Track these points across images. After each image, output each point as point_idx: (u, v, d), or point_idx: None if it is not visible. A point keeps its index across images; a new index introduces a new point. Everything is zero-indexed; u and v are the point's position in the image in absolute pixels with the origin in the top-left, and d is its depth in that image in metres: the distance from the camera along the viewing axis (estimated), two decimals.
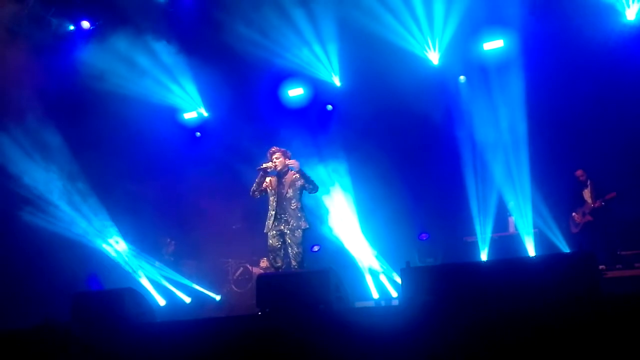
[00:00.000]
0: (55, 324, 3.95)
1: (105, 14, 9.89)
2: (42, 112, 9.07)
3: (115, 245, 9.22)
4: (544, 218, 7.85)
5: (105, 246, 9.21)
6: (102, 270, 9.07)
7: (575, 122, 8.32)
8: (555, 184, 8.13)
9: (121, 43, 9.60)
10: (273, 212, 6.23)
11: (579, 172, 8.12)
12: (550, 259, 4.49)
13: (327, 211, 8.69)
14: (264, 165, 6.28)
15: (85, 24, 9.88)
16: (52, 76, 9.59)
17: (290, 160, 6.39)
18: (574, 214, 8.16)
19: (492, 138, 8.46)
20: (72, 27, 10.09)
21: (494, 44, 8.93)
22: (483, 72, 8.85)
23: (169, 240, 9.64)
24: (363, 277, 8.38)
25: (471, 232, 8.43)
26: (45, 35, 9.62)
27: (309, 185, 6.35)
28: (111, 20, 9.79)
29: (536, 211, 7.87)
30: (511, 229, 8.23)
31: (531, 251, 7.66)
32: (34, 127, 9.02)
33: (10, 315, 7.63)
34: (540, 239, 7.83)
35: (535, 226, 7.89)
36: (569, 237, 7.86)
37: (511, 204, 8.12)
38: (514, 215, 8.11)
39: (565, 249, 7.54)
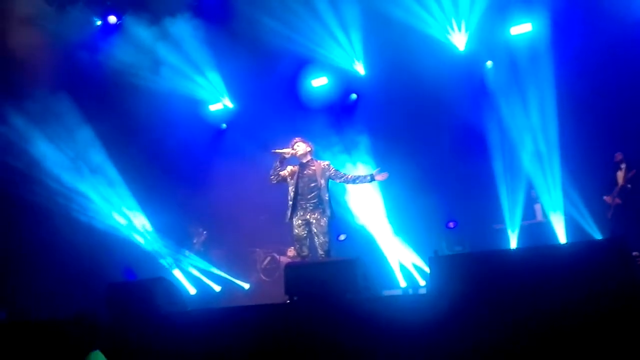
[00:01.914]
0: (90, 314, 4.08)
1: (131, 7, 10.01)
2: (71, 106, 9.28)
3: (146, 235, 9.42)
4: (576, 204, 7.69)
5: (135, 236, 9.42)
6: (133, 261, 9.28)
7: (607, 106, 8.10)
8: (587, 169, 7.94)
9: (146, 36, 9.75)
10: (291, 202, 6.25)
11: (617, 155, 7.92)
12: (580, 246, 4.40)
13: (353, 200, 8.70)
14: (279, 150, 6.26)
15: (112, 19, 10.03)
16: (80, 70, 9.80)
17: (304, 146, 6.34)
18: (605, 197, 7.96)
19: (520, 124, 8.30)
20: (99, 22, 10.24)
21: (521, 28, 8.74)
22: (511, 56, 8.67)
23: (201, 230, 9.78)
24: (390, 265, 8.38)
25: (500, 219, 8.32)
26: (72, 30, 9.78)
27: (344, 175, 6.35)
28: (137, 13, 9.92)
29: (567, 197, 7.71)
30: (539, 217, 8.09)
31: (562, 238, 7.52)
32: (64, 120, 9.24)
33: (46, 306, 7.88)
34: (572, 226, 7.68)
35: (566, 212, 7.74)
36: (603, 223, 7.67)
37: (533, 193, 7.99)
38: (541, 202, 7.97)
39: (598, 235, 7.37)
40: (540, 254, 4.08)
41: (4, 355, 5.81)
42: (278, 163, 6.29)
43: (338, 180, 6.41)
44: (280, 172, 6.35)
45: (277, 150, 6.27)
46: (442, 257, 4.40)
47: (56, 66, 9.42)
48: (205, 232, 9.77)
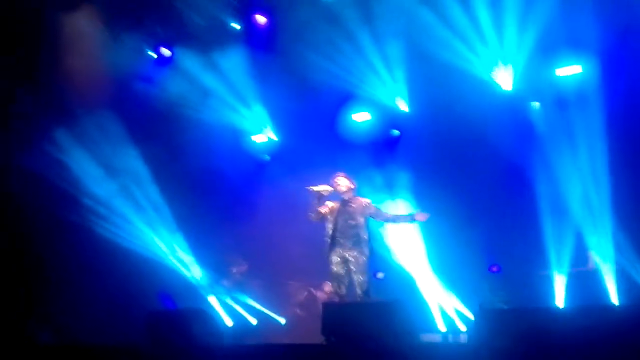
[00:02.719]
0: (135, 344, 4.16)
1: (182, 38, 10.38)
2: (120, 131, 9.60)
3: (186, 263, 9.54)
4: (627, 256, 7.37)
5: (175, 262, 9.55)
6: (171, 287, 9.39)
7: None
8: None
9: (195, 67, 10.08)
10: (329, 240, 6.21)
11: None
12: (635, 309, 4.18)
13: (392, 238, 8.61)
14: (315, 188, 6.22)
15: (166, 52, 10.41)
16: (131, 99, 10.16)
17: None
18: None
19: (568, 167, 8.09)
20: (155, 56, 10.63)
21: (570, 70, 8.60)
22: (559, 97, 8.53)
23: (241, 259, 9.83)
24: (429, 308, 8.19)
25: (545, 265, 8.04)
26: (126, 59, 10.18)
27: (385, 214, 6.31)
28: (187, 44, 10.28)
29: (618, 248, 7.41)
30: (590, 264, 7.77)
31: (612, 289, 7.19)
32: (112, 144, 9.54)
33: (84, 329, 7.99)
34: (623, 278, 7.34)
35: (617, 262, 7.42)
36: None
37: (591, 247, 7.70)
38: (593, 250, 7.67)
39: None
40: (592, 315, 3.89)
41: None
42: (316, 201, 6.28)
43: (378, 219, 6.38)
44: (321, 210, 6.34)
45: (313, 188, 6.25)
46: (489, 311, 4.27)
47: (109, 93, 9.79)
48: (246, 263, 9.80)
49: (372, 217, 6.33)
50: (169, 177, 10.00)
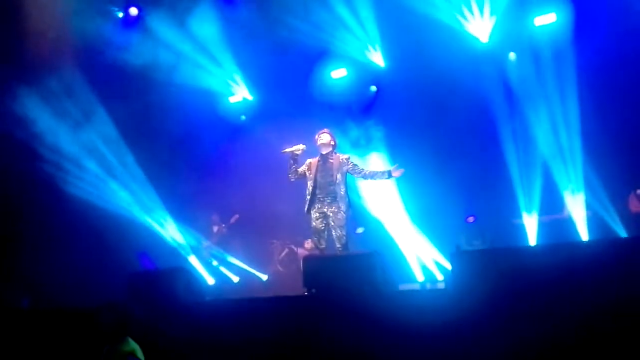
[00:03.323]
0: (122, 303, 4.20)
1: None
2: (88, 90, 9.31)
3: (164, 223, 9.50)
4: (600, 199, 7.55)
5: (152, 223, 9.49)
6: (150, 247, 9.35)
7: (633, 101, 7.94)
8: (611, 164, 7.79)
9: (166, 29, 9.79)
10: (309, 196, 6.27)
11: None
12: (605, 244, 4.33)
13: (371, 193, 8.68)
14: (288, 150, 6.28)
15: (133, 11, 10.06)
16: (100, 61, 9.83)
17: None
18: (638, 190, 7.74)
19: (542, 117, 8.19)
20: (120, 14, 10.27)
21: (545, 19, 8.59)
22: (534, 48, 8.54)
23: (219, 221, 9.83)
24: (407, 259, 8.36)
25: (519, 214, 8.24)
26: (93, 17, 9.80)
27: (362, 171, 6.35)
28: (156, 5, 9.96)
29: (591, 192, 7.59)
30: (565, 212, 7.96)
31: (584, 235, 7.41)
32: (81, 102, 9.26)
33: (64, 293, 7.95)
34: (595, 222, 7.55)
35: (589, 208, 7.62)
36: (627, 221, 7.52)
37: (570, 187, 7.85)
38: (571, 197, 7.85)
39: (622, 232, 7.24)
40: (565, 251, 4.02)
41: (31, 344, 5.94)
42: (292, 161, 6.32)
43: (355, 175, 6.41)
44: (298, 169, 6.38)
45: (287, 150, 6.29)
46: (465, 253, 4.38)
47: (74, 51, 9.44)
48: (224, 226, 9.82)
49: (350, 173, 6.37)
50: (143, 138, 9.83)
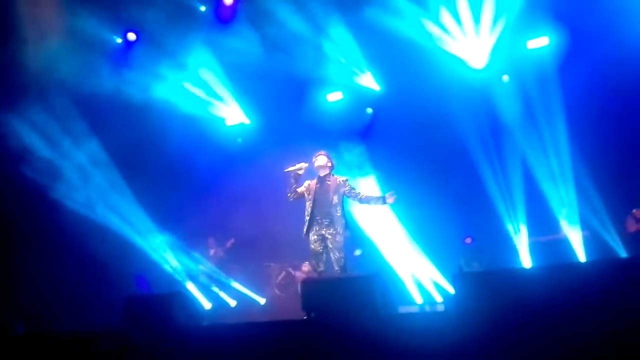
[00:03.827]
0: (119, 328, 4.15)
1: (149, 25, 10.11)
2: (78, 117, 9.32)
3: (160, 247, 9.42)
4: (600, 217, 7.58)
5: (148, 246, 9.39)
6: (146, 271, 9.27)
7: (627, 116, 8.03)
8: (609, 184, 7.84)
9: (164, 55, 9.87)
10: (308, 218, 6.25)
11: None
12: (604, 265, 4.33)
13: (369, 215, 8.68)
14: (292, 168, 6.28)
15: (132, 36, 10.15)
16: (100, 84, 9.86)
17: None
18: (634, 210, 7.76)
19: (534, 140, 8.28)
20: (119, 40, 10.36)
21: (539, 42, 8.73)
22: (527, 72, 8.67)
23: (215, 244, 9.78)
24: (405, 281, 8.33)
25: (515, 234, 8.25)
26: (92, 42, 9.85)
27: (358, 194, 6.36)
28: (155, 31, 10.04)
29: (590, 210, 7.62)
30: (562, 233, 7.99)
31: (581, 255, 7.42)
32: (71, 128, 9.25)
33: (60, 316, 7.85)
34: (592, 242, 7.57)
35: (585, 228, 7.64)
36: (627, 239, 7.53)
37: (564, 211, 7.88)
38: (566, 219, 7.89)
39: (622, 253, 7.25)
40: (568, 272, 4.01)
41: None
42: (293, 180, 6.32)
43: (351, 198, 6.40)
44: (297, 189, 6.37)
45: (290, 169, 6.30)
46: (467, 274, 4.35)
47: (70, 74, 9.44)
48: (221, 249, 9.76)
49: (346, 196, 6.36)
50: (138, 161, 9.83)
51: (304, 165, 6.32)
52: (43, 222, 8.96)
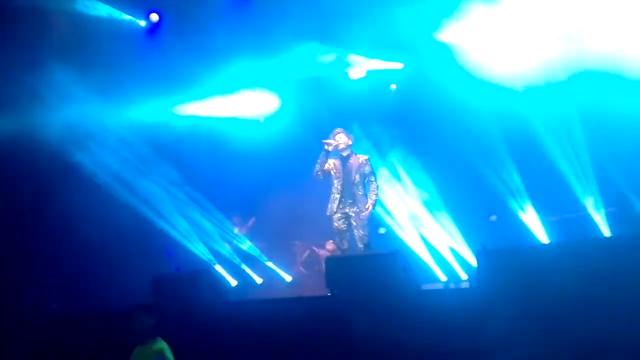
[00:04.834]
0: (150, 306, 4.35)
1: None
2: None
3: (184, 225, 9.50)
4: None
5: (173, 226, 9.50)
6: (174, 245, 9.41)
7: None
8: None
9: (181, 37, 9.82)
10: (338, 195, 6.30)
11: None
12: (630, 239, 4.26)
13: (393, 193, 8.67)
14: (327, 141, 6.33)
15: (154, 17, 10.09)
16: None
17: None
18: None
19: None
20: (143, 23, 10.29)
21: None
22: None
23: (241, 221, 9.88)
24: (430, 259, 8.34)
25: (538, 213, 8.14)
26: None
27: (372, 183, 6.35)
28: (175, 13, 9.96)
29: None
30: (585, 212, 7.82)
31: (606, 232, 7.28)
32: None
33: (89, 297, 8.05)
34: (617, 219, 7.40)
35: (609, 205, 7.48)
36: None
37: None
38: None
39: None
40: (591, 248, 3.97)
41: (62, 347, 6.09)
42: (325, 158, 6.35)
43: (367, 180, 6.39)
44: (324, 167, 6.40)
45: (326, 141, 6.32)
46: (491, 251, 4.35)
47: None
48: (244, 227, 9.86)
49: (365, 175, 6.36)
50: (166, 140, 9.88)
51: (333, 142, 6.35)
52: (75, 201, 9.05)
